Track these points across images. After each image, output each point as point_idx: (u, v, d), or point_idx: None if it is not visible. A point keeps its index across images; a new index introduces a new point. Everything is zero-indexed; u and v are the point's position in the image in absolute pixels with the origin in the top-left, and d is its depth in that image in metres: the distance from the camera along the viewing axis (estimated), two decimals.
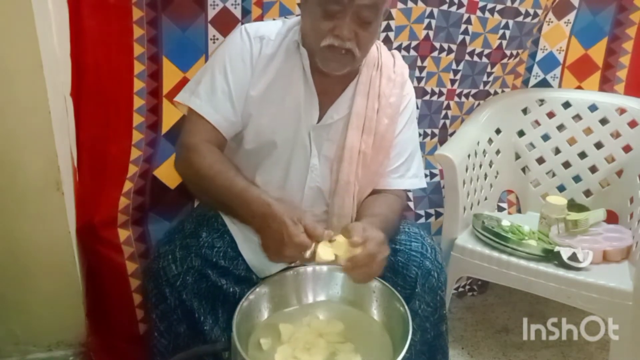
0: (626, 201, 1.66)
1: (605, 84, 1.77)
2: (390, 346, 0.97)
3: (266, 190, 1.11)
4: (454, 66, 1.64)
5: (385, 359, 0.94)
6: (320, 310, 1.05)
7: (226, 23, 1.32)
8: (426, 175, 1.67)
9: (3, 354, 1.28)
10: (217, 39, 1.33)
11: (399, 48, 1.53)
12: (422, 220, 1.74)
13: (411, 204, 1.71)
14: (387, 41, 1.50)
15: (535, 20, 1.63)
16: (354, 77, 1.18)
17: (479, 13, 1.56)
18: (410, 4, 1.49)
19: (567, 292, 1.40)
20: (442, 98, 1.69)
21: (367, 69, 1.18)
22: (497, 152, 1.77)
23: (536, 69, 1.80)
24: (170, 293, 1.07)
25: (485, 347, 1.71)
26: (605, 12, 1.70)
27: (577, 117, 1.74)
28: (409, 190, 1.59)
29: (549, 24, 1.73)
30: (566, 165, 1.76)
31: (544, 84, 1.81)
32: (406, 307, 0.97)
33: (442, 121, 1.73)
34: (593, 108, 1.72)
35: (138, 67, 1.30)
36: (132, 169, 1.35)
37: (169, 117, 1.37)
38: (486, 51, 1.63)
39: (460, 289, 1.88)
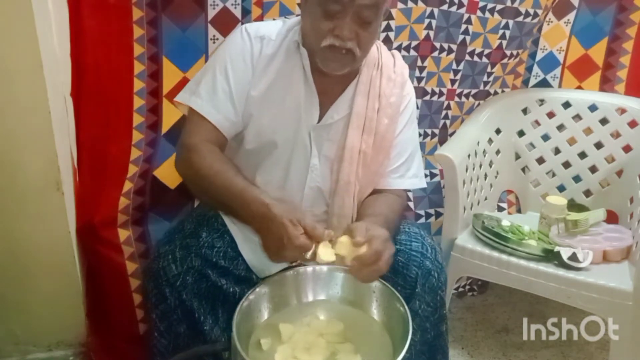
0: (626, 201, 1.66)
1: (606, 84, 1.77)
2: (390, 346, 0.97)
3: (266, 190, 1.11)
4: (454, 66, 1.64)
5: (385, 359, 0.94)
6: (320, 310, 1.05)
7: (226, 23, 1.32)
8: (426, 175, 1.68)
9: (3, 354, 1.28)
10: (217, 39, 1.33)
11: (399, 48, 1.53)
12: (422, 220, 1.74)
13: (411, 204, 1.71)
14: (387, 41, 1.50)
15: (535, 20, 1.63)
16: (354, 77, 1.18)
17: (479, 13, 1.56)
18: (410, 4, 1.49)
19: (567, 292, 1.40)
20: (442, 98, 1.69)
21: (367, 69, 1.18)
22: (497, 152, 1.77)
23: (536, 69, 1.80)
24: (170, 293, 1.07)
25: (485, 347, 1.71)
26: (606, 12, 1.70)
27: (577, 117, 1.74)
28: (409, 190, 1.59)
29: (549, 24, 1.74)
30: (566, 165, 1.76)
31: (544, 84, 1.81)
32: (406, 307, 0.97)
33: (442, 121, 1.73)
34: (593, 108, 1.72)
35: (138, 67, 1.30)
36: (132, 169, 1.35)
37: (169, 117, 1.37)
38: (486, 51, 1.63)
39: (460, 289, 1.88)
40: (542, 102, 1.77)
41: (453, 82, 1.67)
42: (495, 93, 1.77)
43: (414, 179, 1.26)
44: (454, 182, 1.52)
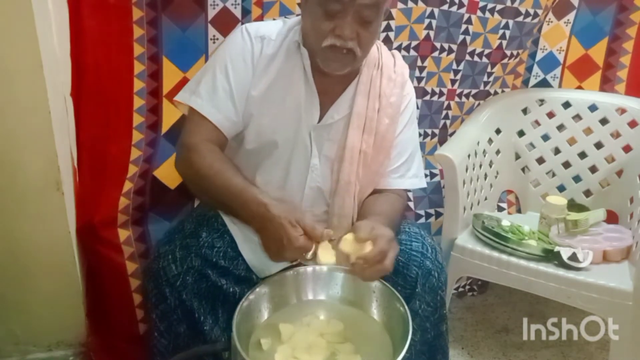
0: (626, 201, 1.66)
1: (606, 84, 1.77)
2: (390, 346, 0.97)
3: (267, 190, 1.11)
4: (454, 66, 1.64)
5: (385, 359, 0.94)
6: (320, 310, 1.05)
7: (226, 23, 1.32)
8: (426, 175, 1.68)
9: (3, 354, 1.28)
10: (217, 39, 1.33)
11: (399, 48, 1.53)
12: (422, 220, 1.74)
13: (411, 204, 1.71)
14: (387, 41, 1.50)
15: (535, 20, 1.63)
16: (354, 77, 1.18)
17: (479, 13, 1.56)
18: (410, 4, 1.49)
19: (567, 292, 1.40)
20: (443, 98, 1.69)
21: (367, 68, 1.18)
22: (497, 152, 1.77)
23: (536, 69, 1.80)
24: (170, 293, 1.07)
25: (485, 347, 1.71)
26: (606, 12, 1.70)
27: (577, 117, 1.74)
28: (409, 190, 1.59)
29: (549, 24, 1.74)
30: (566, 165, 1.76)
31: (544, 84, 1.81)
32: (406, 307, 0.97)
33: (442, 121, 1.73)
34: (593, 108, 1.72)
35: (138, 67, 1.30)
36: (132, 169, 1.35)
37: (169, 117, 1.37)
38: (486, 51, 1.63)
39: (460, 289, 1.88)
40: (542, 102, 1.77)
41: (453, 82, 1.67)
42: (496, 93, 1.77)
43: (414, 178, 1.26)
44: (454, 182, 1.52)
